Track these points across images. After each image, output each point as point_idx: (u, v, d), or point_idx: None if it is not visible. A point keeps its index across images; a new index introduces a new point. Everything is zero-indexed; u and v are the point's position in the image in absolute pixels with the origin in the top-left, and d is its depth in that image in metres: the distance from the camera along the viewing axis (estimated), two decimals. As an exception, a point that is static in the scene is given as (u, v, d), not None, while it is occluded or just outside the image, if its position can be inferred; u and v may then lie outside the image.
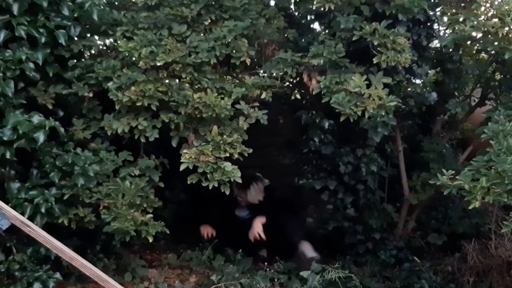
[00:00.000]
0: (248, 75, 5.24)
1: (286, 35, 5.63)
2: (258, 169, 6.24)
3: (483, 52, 5.97)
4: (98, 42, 5.38)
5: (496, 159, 3.83)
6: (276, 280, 5.28)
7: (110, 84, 4.74)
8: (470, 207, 3.93)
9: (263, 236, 5.76)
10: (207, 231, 5.95)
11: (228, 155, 4.62)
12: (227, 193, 4.62)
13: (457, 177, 3.97)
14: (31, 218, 4.28)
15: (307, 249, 5.67)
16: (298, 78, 5.36)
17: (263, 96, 5.02)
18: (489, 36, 4.97)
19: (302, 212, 6.27)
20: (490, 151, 3.96)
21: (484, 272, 5.29)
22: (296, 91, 6.55)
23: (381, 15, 5.02)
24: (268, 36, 5.29)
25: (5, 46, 4.61)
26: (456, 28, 4.88)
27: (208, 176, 4.54)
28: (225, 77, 5.51)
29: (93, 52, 5.36)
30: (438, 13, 5.65)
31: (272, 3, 5.78)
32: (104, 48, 5.53)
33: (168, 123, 4.79)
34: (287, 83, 6.31)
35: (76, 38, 4.97)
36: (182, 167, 4.57)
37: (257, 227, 5.80)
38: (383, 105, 4.57)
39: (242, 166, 4.68)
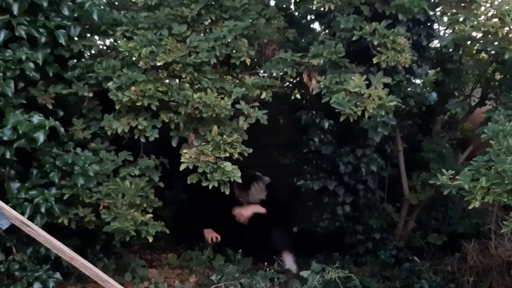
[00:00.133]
0: (248, 75, 5.24)
1: (286, 35, 5.63)
2: (258, 169, 6.23)
3: (483, 52, 5.97)
4: (98, 42, 5.38)
5: (496, 159, 3.83)
6: (276, 280, 5.28)
7: (110, 84, 4.74)
8: (470, 207, 3.93)
9: (242, 221, 5.81)
10: (211, 235, 5.94)
11: (228, 155, 4.62)
12: (227, 193, 4.62)
13: (457, 177, 3.97)
14: (31, 218, 4.29)
15: (287, 260, 5.71)
16: (298, 78, 5.36)
17: (263, 96, 5.02)
18: (489, 36, 4.97)
19: (299, 213, 6.27)
20: (490, 151, 3.96)
21: (484, 272, 5.29)
22: (296, 91, 6.56)
23: (381, 15, 5.02)
24: (268, 36, 5.29)
25: (5, 46, 4.62)
26: (456, 28, 4.88)
27: (208, 176, 4.54)
28: (225, 77, 5.51)
29: (93, 52, 5.36)
30: (438, 13, 5.65)
31: (272, 3, 5.78)
32: (104, 48, 5.53)
33: (168, 123, 4.80)
34: (287, 83, 6.31)
35: (76, 38, 4.97)
36: (182, 167, 4.57)
37: (247, 212, 5.81)
38: (383, 105, 4.56)
39: (242, 166, 4.69)
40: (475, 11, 5.12)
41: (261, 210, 5.92)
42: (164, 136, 4.81)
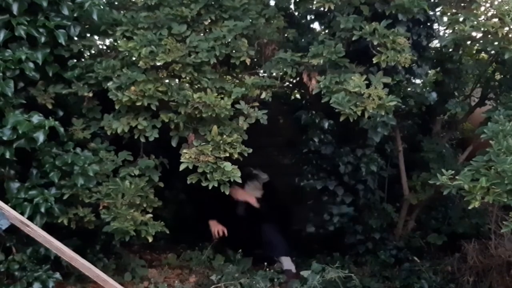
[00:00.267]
0: (248, 75, 5.24)
1: (286, 35, 5.64)
2: (258, 167, 6.21)
3: (483, 52, 5.96)
4: (98, 42, 5.38)
5: (496, 159, 3.83)
6: (276, 280, 5.28)
7: (110, 84, 4.75)
8: (470, 207, 3.93)
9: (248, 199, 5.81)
10: (217, 228, 5.90)
11: (228, 155, 4.62)
12: (227, 193, 4.62)
13: (456, 177, 3.97)
14: (30, 218, 4.28)
15: (285, 262, 5.71)
16: (298, 78, 5.36)
17: (263, 96, 5.02)
18: (489, 36, 4.97)
19: (297, 213, 6.26)
20: (489, 151, 3.96)
21: (484, 272, 5.29)
22: (296, 91, 6.55)
23: (381, 15, 5.02)
24: (268, 36, 5.29)
25: (5, 46, 4.62)
26: (456, 28, 4.88)
27: (208, 176, 4.54)
28: (225, 77, 5.50)
29: (93, 52, 5.36)
30: (438, 13, 5.64)
31: (272, 3, 5.78)
32: (104, 48, 5.53)
33: (168, 123, 4.80)
34: (287, 83, 6.31)
35: (76, 38, 4.97)
36: (182, 167, 4.57)
37: (241, 195, 5.80)
38: (383, 105, 4.56)
39: (242, 166, 4.69)
40: (475, 11, 5.12)
41: (254, 202, 5.87)
42: (164, 136, 4.81)
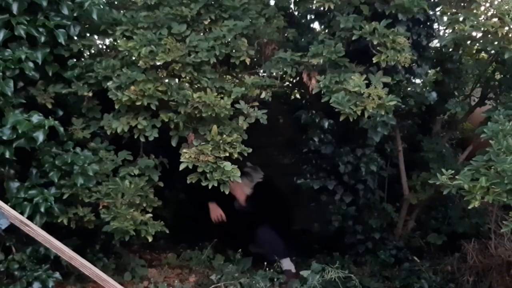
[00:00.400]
0: (248, 74, 5.24)
1: (285, 34, 5.63)
2: (258, 166, 6.19)
3: (483, 52, 5.96)
4: (98, 41, 5.38)
5: (496, 158, 3.83)
6: (275, 280, 5.28)
7: (109, 83, 4.74)
8: (469, 207, 3.93)
9: None
10: (217, 213, 5.87)
11: (227, 154, 4.62)
12: (227, 192, 4.62)
13: (456, 176, 3.97)
14: (30, 218, 4.28)
15: (284, 263, 5.68)
16: (297, 78, 5.36)
17: (262, 95, 5.02)
18: (489, 35, 4.97)
19: (294, 213, 6.25)
20: (489, 150, 3.96)
21: (483, 272, 5.29)
22: (295, 90, 6.55)
23: (380, 14, 5.02)
24: (267, 36, 5.29)
25: (5, 45, 4.61)
26: (456, 27, 4.88)
27: (208, 175, 4.54)
28: (224, 76, 5.50)
29: (92, 51, 5.37)
30: (438, 13, 5.65)
31: (272, 2, 5.78)
32: (104, 47, 5.53)
33: (168, 122, 4.79)
34: (287, 83, 6.31)
35: (75, 38, 4.97)
36: (181, 167, 4.57)
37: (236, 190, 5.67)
38: (382, 104, 4.56)
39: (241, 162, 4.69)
40: (474, 11, 5.12)
41: (241, 200, 5.85)
42: (163, 135, 4.81)
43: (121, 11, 5.27)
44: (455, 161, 5.92)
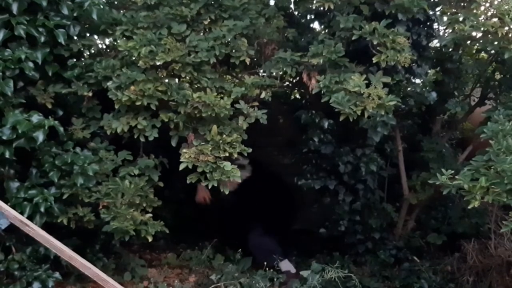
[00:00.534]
0: (248, 74, 5.24)
1: (285, 34, 5.64)
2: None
3: (482, 52, 5.97)
4: (98, 41, 5.39)
5: (496, 158, 3.83)
6: (275, 280, 5.27)
7: (109, 83, 4.74)
8: (469, 207, 3.93)
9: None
10: (203, 195, 5.78)
11: (227, 154, 4.62)
12: (226, 192, 4.62)
13: (456, 176, 3.97)
14: (30, 218, 4.28)
15: (283, 265, 5.72)
16: (297, 78, 5.36)
17: (262, 95, 5.02)
18: (489, 35, 4.97)
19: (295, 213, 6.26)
20: (489, 150, 3.96)
21: (483, 272, 5.30)
22: (295, 90, 6.55)
23: (380, 14, 5.02)
24: (267, 36, 5.29)
25: (5, 45, 4.61)
26: (456, 27, 4.88)
27: (208, 175, 4.54)
28: (224, 76, 5.51)
29: (92, 51, 5.37)
30: (437, 13, 5.65)
31: (272, 2, 5.78)
32: (104, 47, 5.53)
33: (168, 122, 4.79)
34: (287, 83, 6.31)
35: (75, 38, 4.97)
36: (181, 167, 4.57)
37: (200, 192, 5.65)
38: (382, 104, 4.56)
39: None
40: (474, 11, 5.12)
41: (201, 200, 5.78)
42: (163, 135, 4.81)
43: (121, 11, 5.27)
44: (455, 161, 5.92)
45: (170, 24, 5.05)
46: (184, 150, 4.62)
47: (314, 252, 6.01)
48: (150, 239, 4.68)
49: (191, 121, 4.82)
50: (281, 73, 5.07)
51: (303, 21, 6.03)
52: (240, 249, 5.69)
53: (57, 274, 4.50)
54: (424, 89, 5.95)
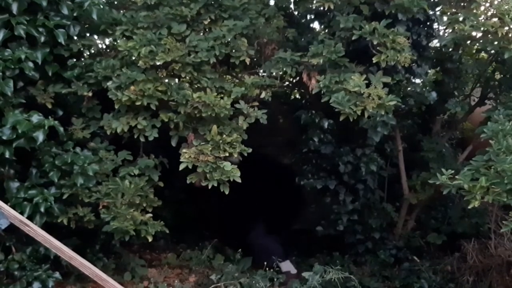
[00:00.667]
0: (248, 74, 5.24)
1: (285, 34, 5.64)
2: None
3: (482, 52, 5.98)
4: (98, 41, 5.38)
5: (496, 158, 3.83)
6: (275, 280, 5.27)
7: (109, 83, 4.74)
8: (469, 207, 3.93)
9: None
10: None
11: (227, 154, 4.62)
12: (226, 192, 4.61)
13: (456, 176, 3.97)
14: (30, 218, 4.28)
15: (284, 266, 5.72)
16: (297, 78, 5.36)
17: (262, 95, 5.02)
18: (489, 35, 4.98)
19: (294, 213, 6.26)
20: (489, 150, 3.96)
21: (483, 272, 5.30)
22: (295, 90, 6.55)
23: (380, 14, 5.02)
24: (267, 36, 5.29)
25: (5, 45, 4.61)
26: (456, 27, 4.88)
27: (208, 175, 4.54)
28: (224, 76, 5.50)
29: (92, 51, 5.36)
30: (437, 13, 5.65)
31: (272, 2, 5.78)
32: (104, 47, 5.52)
33: (168, 122, 4.79)
34: (287, 83, 6.31)
35: (75, 38, 4.97)
36: (181, 167, 4.56)
37: None
38: (382, 104, 4.56)
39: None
40: (474, 11, 5.12)
41: None
42: (163, 135, 4.81)
43: (121, 11, 5.27)
44: (455, 161, 5.93)
45: (170, 24, 5.05)
46: (184, 150, 4.62)
47: (314, 252, 6.01)
48: (150, 239, 4.68)
49: (191, 121, 4.82)
50: (281, 73, 5.07)
51: (303, 21, 6.03)
52: (240, 249, 5.68)
53: (57, 274, 4.49)
54: (424, 89, 5.95)
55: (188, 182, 4.63)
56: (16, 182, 4.51)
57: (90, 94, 4.87)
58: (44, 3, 4.62)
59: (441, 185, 4.18)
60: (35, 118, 4.37)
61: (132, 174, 4.76)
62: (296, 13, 6.03)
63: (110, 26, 5.09)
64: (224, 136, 4.66)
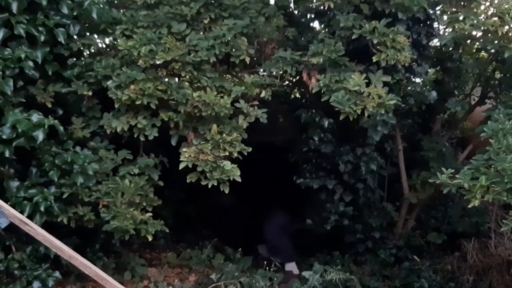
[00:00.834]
0: (248, 73, 5.24)
1: (285, 33, 5.63)
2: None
3: (483, 51, 5.97)
4: (98, 40, 5.37)
5: (496, 157, 3.83)
6: (275, 279, 5.27)
7: (109, 82, 4.74)
8: (469, 206, 3.93)
9: None
10: None
11: (227, 153, 4.62)
12: (226, 192, 4.61)
13: (456, 176, 3.97)
14: (30, 217, 4.28)
15: (287, 266, 5.72)
16: (297, 77, 5.36)
17: (262, 94, 5.02)
18: (489, 34, 4.97)
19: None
20: (489, 149, 3.96)
21: (483, 271, 5.30)
22: (295, 89, 6.53)
23: (380, 13, 5.02)
24: (267, 35, 5.29)
25: (5, 44, 4.61)
26: (456, 26, 4.87)
27: (208, 174, 4.54)
28: (224, 75, 5.50)
29: (92, 50, 5.36)
30: (438, 12, 5.65)
31: (272, 1, 5.78)
32: (104, 46, 5.52)
33: (168, 121, 4.79)
34: (287, 82, 6.30)
35: (75, 37, 4.98)
36: (181, 166, 4.56)
37: None
38: (382, 103, 4.56)
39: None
40: (474, 10, 5.11)
41: None
42: (163, 134, 4.81)
43: (121, 10, 5.27)
44: (455, 160, 5.92)
45: (170, 23, 5.05)
46: (184, 149, 4.62)
47: (314, 252, 6.01)
48: (150, 238, 4.68)
49: (191, 120, 4.82)
50: (281, 72, 5.07)
51: (303, 20, 6.02)
52: (240, 248, 5.69)
53: (57, 273, 4.50)
54: (424, 88, 5.95)
55: (188, 181, 4.63)
56: (16, 181, 4.52)
57: (90, 93, 4.86)
58: (44, 2, 4.63)
59: (441, 184, 4.17)
60: (35, 117, 4.37)
61: (132, 173, 4.76)
62: (296, 12, 6.02)
63: (110, 25, 5.09)
64: (224, 135, 4.66)
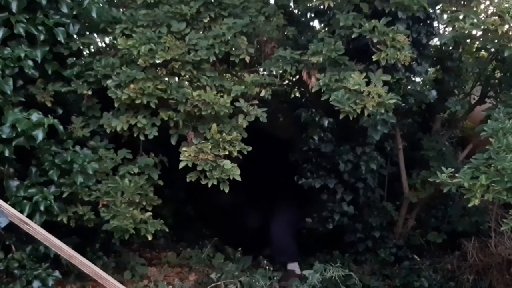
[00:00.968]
0: (248, 73, 5.23)
1: (285, 32, 5.62)
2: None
3: (483, 50, 5.96)
4: (97, 39, 5.37)
5: (496, 157, 3.83)
6: (275, 278, 5.27)
7: (109, 81, 4.74)
8: (469, 205, 3.93)
9: None
10: None
11: (227, 153, 4.61)
12: (226, 191, 4.61)
13: (456, 175, 3.97)
14: (30, 216, 4.28)
15: (291, 264, 5.72)
16: (297, 76, 5.36)
17: (262, 94, 5.01)
18: (489, 34, 4.97)
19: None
20: (489, 149, 3.95)
21: (484, 270, 5.29)
22: (295, 89, 6.52)
23: (380, 12, 5.01)
24: (267, 34, 5.28)
25: (4, 43, 4.61)
26: (456, 25, 4.87)
27: (207, 174, 4.54)
28: (224, 75, 5.50)
29: (92, 49, 5.37)
30: (437, 11, 5.64)
31: (272, 1, 5.77)
32: (103, 45, 5.52)
33: (167, 121, 4.79)
34: (287, 81, 6.29)
35: (75, 36, 4.97)
36: (181, 165, 4.56)
37: None
38: (382, 102, 4.56)
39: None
40: (474, 9, 5.11)
41: None
42: (163, 134, 4.81)
43: (121, 9, 5.27)
44: (455, 159, 5.92)
45: (169, 22, 5.04)
46: (184, 149, 4.62)
47: (314, 251, 6.00)
48: (150, 238, 4.68)
49: (190, 120, 4.81)
50: (281, 71, 5.06)
51: (303, 19, 6.02)
52: (240, 248, 5.68)
53: (57, 273, 4.49)
54: (424, 88, 5.94)
55: (188, 180, 4.63)
56: (15, 180, 4.51)
57: (90, 92, 4.86)
58: (44, 2, 4.63)
59: (441, 184, 4.17)
60: (35, 116, 4.37)
61: (132, 172, 4.75)
62: (296, 11, 6.02)
63: (110, 24, 5.09)
64: (224, 134, 4.65)
